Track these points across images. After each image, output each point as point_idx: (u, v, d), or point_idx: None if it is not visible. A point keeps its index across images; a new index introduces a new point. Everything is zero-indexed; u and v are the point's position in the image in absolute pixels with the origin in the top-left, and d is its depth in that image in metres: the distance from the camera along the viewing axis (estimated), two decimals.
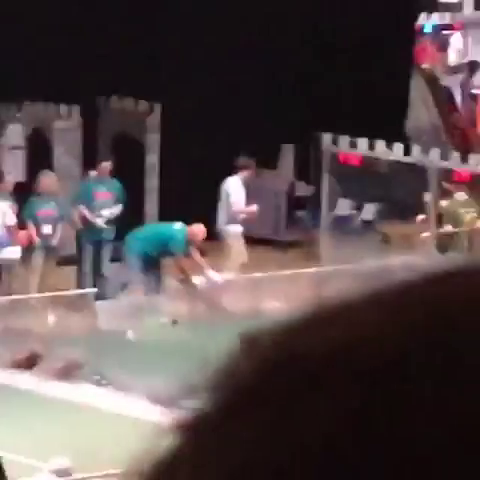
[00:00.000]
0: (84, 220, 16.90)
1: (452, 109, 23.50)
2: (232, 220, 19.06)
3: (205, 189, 20.76)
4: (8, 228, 17.28)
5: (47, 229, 17.96)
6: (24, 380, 14.89)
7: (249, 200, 20.21)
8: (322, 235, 19.43)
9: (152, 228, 17.86)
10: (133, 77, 21.47)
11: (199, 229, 18.49)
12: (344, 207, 19.15)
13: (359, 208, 19.43)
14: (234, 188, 19.03)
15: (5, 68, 21.43)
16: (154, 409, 13.45)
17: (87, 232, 18.61)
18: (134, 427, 12.73)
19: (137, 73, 21.67)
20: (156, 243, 17.02)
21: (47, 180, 18.58)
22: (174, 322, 16.99)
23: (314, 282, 17.42)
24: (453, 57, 23.91)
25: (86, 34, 21.99)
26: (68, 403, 15.15)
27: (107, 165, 18.90)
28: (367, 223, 19.34)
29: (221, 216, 18.83)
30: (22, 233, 17.77)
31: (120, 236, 17.35)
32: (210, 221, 19.34)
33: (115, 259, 17.53)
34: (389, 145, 20.24)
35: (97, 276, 18.11)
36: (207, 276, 18.70)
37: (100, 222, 16.81)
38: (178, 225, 18.08)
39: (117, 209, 18.76)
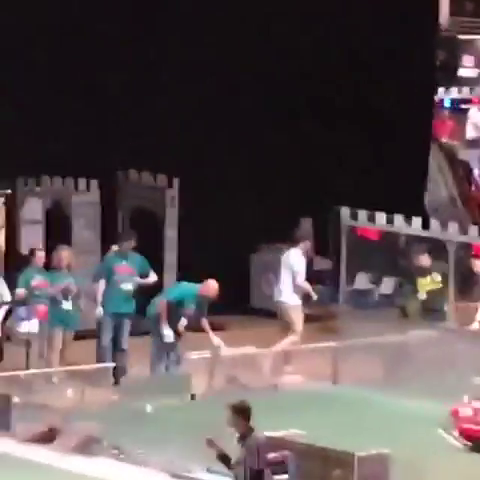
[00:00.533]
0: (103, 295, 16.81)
1: (470, 183, 23.81)
2: (294, 292, 18.48)
3: (224, 264, 20.58)
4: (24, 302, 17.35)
5: (66, 303, 16.84)
6: (43, 454, 14.75)
7: (269, 274, 20.42)
8: (340, 309, 18.95)
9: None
10: (151, 152, 21.33)
11: (213, 285, 17.51)
12: (362, 281, 18.93)
13: (377, 282, 19.09)
14: (296, 260, 18.47)
15: (23, 142, 21.33)
16: None
17: (107, 306, 19.55)
18: None
19: (155, 148, 21.54)
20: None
21: (62, 254, 18.54)
22: (192, 397, 16.39)
23: (332, 356, 17.12)
24: (471, 131, 24.27)
25: (103, 109, 21.78)
26: (86, 477, 15.10)
27: (130, 243, 18.32)
28: (386, 297, 18.95)
29: (280, 288, 18.04)
30: (40, 307, 18.00)
31: (140, 310, 17.11)
32: (230, 294, 19.39)
33: (134, 333, 16.85)
34: (407, 219, 19.23)
35: (116, 350, 17.31)
36: (213, 343, 18.83)
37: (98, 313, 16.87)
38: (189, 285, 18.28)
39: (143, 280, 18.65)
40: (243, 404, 12.44)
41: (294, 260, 18.42)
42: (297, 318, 18.50)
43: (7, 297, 16.45)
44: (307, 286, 17.89)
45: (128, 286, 17.56)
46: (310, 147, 23.58)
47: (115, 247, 18.00)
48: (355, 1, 23.98)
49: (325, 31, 23.60)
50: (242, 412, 12.48)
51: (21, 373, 15.81)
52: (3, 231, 19.50)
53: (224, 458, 12.28)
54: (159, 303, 17.01)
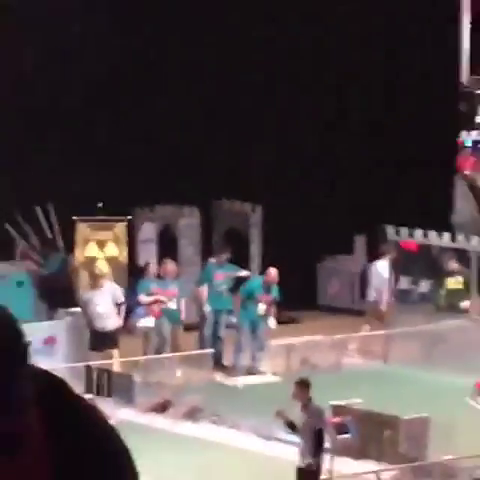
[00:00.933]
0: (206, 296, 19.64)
1: None
2: (381, 294, 20.70)
3: (297, 271, 22.66)
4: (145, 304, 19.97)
5: (172, 304, 20.03)
6: (159, 421, 17.21)
7: (332, 279, 23.49)
8: (389, 304, 21.10)
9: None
10: (239, 184, 23.75)
11: (273, 271, 19.88)
12: (405, 283, 20.76)
13: (417, 283, 20.95)
14: (384, 269, 20.61)
15: (138, 178, 23.46)
16: (259, 442, 16.26)
17: (208, 304, 20.59)
18: (242, 456, 15.87)
19: (243, 181, 23.92)
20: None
21: (168, 266, 20.65)
22: (274, 373, 19.15)
23: (383, 341, 19.98)
24: None
25: (203, 150, 24.03)
26: (193, 439, 16.73)
27: (226, 255, 21.17)
28: (423, 295, 21.05)
29: (372, 291, 20.46)
30: (154, 307, 19.62)
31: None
32: (301, 294, 21.62)
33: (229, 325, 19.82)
34: (439, 234, 21.47)
35: (215, 339, 20.02)
36: (270, 320, 20.13)
37: (206, 309, 19.62)
38: (256, 277, 20.71)
39: (243, 272, 20.56)
40: (304, 380, 14.96)
41: (382, 269, 20.58)
42: (384, 313, 20.70)
43: (121, 299, 18.51)
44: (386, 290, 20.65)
45: (224, 288, 20.33)
46: (363, 180, 25.00)
47: (212, 259, 20.56)
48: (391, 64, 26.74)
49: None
50: (303, 386, 14.89)
51: (141, 358, 18.71)
52: (125, 248, 21.90)
53: (291, 424, 14.58)
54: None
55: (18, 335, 1.55)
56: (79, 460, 2.15)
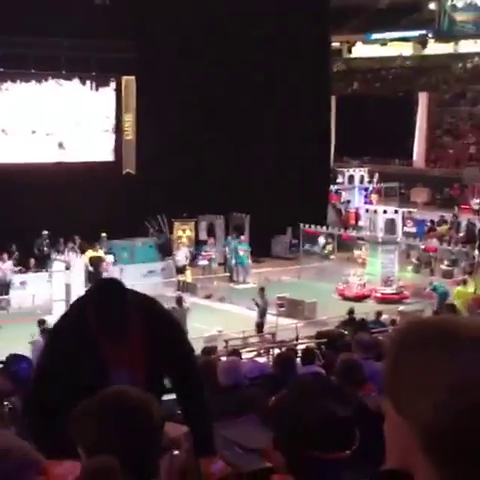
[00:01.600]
0: None
1: None
2: None
3: None
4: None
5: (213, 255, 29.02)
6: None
7: None
8: None
9: None
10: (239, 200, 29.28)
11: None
12: None
13: None
14: None
15: (205, 187, 28.28)
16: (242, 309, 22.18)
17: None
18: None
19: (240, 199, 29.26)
20: None
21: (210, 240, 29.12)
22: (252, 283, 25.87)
23: None
24: None
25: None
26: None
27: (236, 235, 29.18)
28: None
29: None
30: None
31: None
32: None
33: None
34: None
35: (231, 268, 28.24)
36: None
37: None
38: None
39: None
40: (262, 287, 22.92)
41: None
42: None
43: (188, 254, 31.91)
44: None
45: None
46: None
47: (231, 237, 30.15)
48: None
49: None
50: (262, 290, 22.56)
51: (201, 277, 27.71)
52: (193, 232, 29.68)
53: (256, 303, 21.62)
54: None
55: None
56: (159, 332, 3.89)
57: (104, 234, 27.10)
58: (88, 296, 3.89)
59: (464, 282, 23.38)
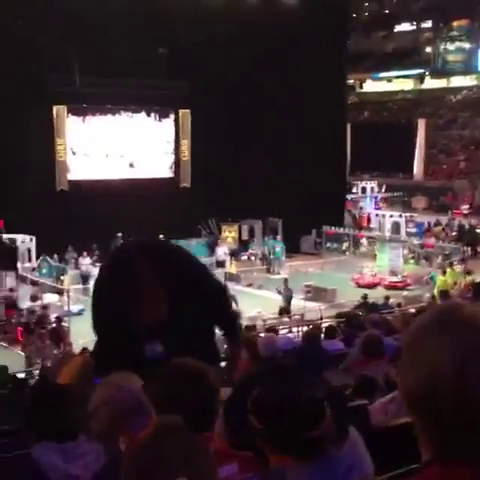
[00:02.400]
0: None
1: None
2: None
3: None
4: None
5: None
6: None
7: None
8: None
9: None
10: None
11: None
12: None
13: None
14: None
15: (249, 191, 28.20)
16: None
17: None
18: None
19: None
20: None
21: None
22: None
23: None
24: None
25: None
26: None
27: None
28: None
29: None
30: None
31: None
32: None
33: None
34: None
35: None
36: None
37: None
38: None
39: None
40: (286, 278, 26.67)
41: None
42: None
43: (231, 249, 32.18)
44: None
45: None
46: None
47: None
48: None
49: None
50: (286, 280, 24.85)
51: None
52: (237, 234, 29.63)
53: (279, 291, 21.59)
54: None
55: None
56: (181, 286, 3.18)
57: (162, 235, 26.97)
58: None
59: (443, 272, 23.18)
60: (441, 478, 1.12)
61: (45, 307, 19.71)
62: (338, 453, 2.02)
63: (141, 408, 2.45)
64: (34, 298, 20.10)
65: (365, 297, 19.63)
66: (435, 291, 20.91)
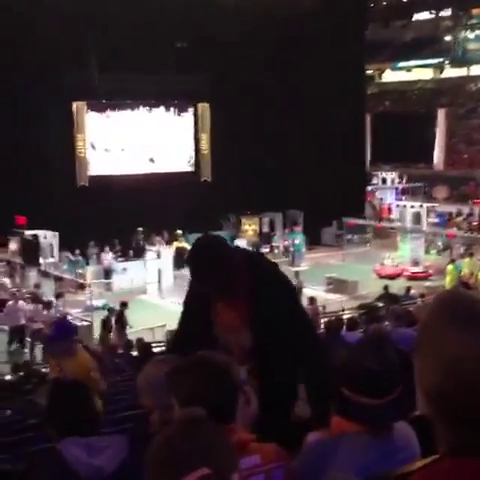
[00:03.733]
0: None
1: None
2: None
3: None
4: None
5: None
6: None
7: None
8: None
9: None
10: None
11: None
12: None
13: None
14: None
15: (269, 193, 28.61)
16: None
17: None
18: None
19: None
20: None
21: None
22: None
23: None
24: None
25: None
26: None
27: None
28: None
29: None
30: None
31: None
32: None
33: None
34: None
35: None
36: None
37: None
38: None
39: None
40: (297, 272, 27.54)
41: None
42: None
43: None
44: None
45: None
46: None
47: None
48: None
49: None
50: (296, 272, 25.30)
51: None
52: (257, 226, 29.91)
53: None
54: None
55: (225, 241, 3.18)
56: (265, 286, 2.93)
57: (180, 231, 27.10)
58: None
59: (452, 261, 23.14)
60: (452, 472, 1.12)
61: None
62: (395, 430, 2.22)
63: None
64: (59, 295, 20.22)
65: (386, 288, 19.64)
66: (447, 280, 20.94)
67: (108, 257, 25.59)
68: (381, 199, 37.96)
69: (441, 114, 50.16)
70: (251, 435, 2.24)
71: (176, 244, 26.66)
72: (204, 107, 30.00)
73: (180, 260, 25.04)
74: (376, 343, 2.43)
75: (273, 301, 3.04)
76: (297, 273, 22.18)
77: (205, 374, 2.18)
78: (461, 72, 52.85)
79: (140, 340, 13.30)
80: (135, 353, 12.74)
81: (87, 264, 25.04)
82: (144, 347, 12.01)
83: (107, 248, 25.64)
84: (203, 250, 3.14)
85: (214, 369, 2.19)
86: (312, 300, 17.71)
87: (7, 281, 22.80)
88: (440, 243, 29.27)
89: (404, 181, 42.66)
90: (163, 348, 12.89)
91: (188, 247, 25.71)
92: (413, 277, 24.89)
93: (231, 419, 2.18)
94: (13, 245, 23.74)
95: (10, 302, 18.38)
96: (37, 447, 4.17)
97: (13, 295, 18.80)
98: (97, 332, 18.30)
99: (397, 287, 20.79)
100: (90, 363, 5.12)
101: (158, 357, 3.09)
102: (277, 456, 2.27)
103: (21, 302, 18.42)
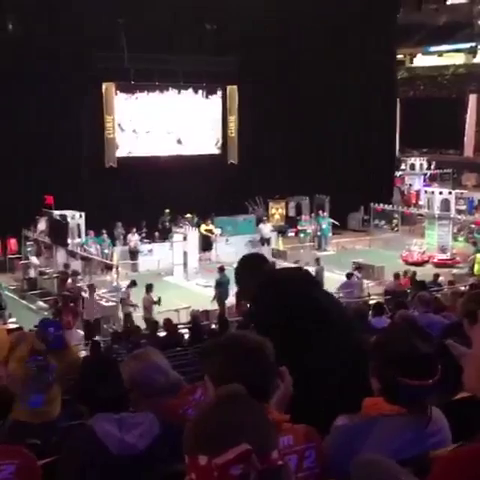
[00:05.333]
0: None
1: None
2: None
3: None
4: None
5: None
6: None
7: None
8: None
9: None
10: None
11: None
12: None
13: None
14: None
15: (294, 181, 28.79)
16: None
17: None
18: None
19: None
20: None
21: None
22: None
23: None
24: None
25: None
26: None
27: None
28: None
29: None
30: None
31: None
32: None
33: None
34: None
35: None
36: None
37: None
38: None
39: None
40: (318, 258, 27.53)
41: None
42: None
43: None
44: None
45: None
46: None
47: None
48: None
49: None
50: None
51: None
52: (284, 210, 29.65)
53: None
54: None
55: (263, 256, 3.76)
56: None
57: (189, 215, 27.26)
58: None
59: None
60: None
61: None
62: (431, 414, 2.28)
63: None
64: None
65: (414, 275, 19.60)
66: (476, 268, 21.01)
67: (134, 238, 25.74)
68: (409, 185, 37.78)
69: (472, 100, 49.61)
70: (285, 415, 2.25)
71: (203, 227, 26.76)
72: (233, 89, 29.95)
73: (206, 243, 25.33)
74: (418, 327, 2.47)
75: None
76: (318, 259, 22.13)
77: (237, 352, 2.19)
78: None
79: (169, 320, 13.40)
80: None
81: (114, 245, 25.15)
82: (172, 327, 12.07)
83: (134, 229, 25.71)
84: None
85: (246, 347, 2.19)
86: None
87: (35, 260, 22.97)
88: (468, 230, 29.19)
89: (433, 167, 42.50)
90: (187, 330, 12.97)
91: (214, 230, 26.69)
92: (440, 264, 24.80)
93: (265, 398, 2.19)
94: (41, 225, 23.88)
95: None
96: (67, 423, 4.20)
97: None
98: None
99: (424, 274, 20.68)
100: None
101: (139, 351, 3.26)
102: (309, 437, 2.28)
103: None
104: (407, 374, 2.25)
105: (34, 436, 3.73)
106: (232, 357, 2.20)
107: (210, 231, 26.75)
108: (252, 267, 3.42)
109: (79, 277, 20.65)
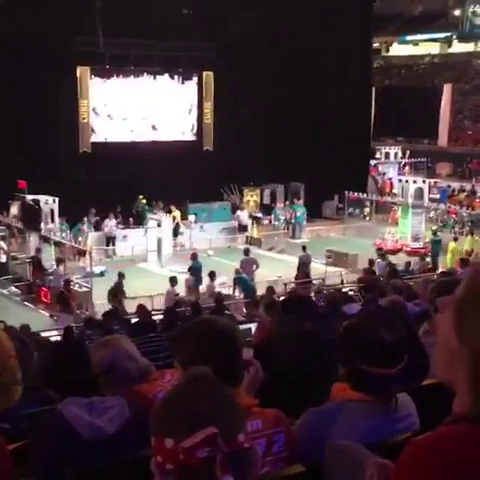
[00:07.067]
0: None
1: None
2: None
3: None
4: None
5: None
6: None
7: None
8: None
9: None
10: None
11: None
12: None
13: None
14: None
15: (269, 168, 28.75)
16: None
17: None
18: None
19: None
20: None
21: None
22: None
23: None
24: None
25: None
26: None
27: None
28: None
29: None
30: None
31: None
32: None
33: None
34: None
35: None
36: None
37: None
38: None
39: None
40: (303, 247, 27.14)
41: None
42: None
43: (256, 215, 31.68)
44: None
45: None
46: None
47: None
48: None
49: None
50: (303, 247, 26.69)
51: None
52: (259, 197, 30.64)
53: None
54: None
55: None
56: None
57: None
58: None
59: (455, 239, 23.13)
60: (470, 438, 1.13)
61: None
62: (396, 401, 2.28)
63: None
64: (59, 261, 20.26)
65: (391, 265, 19.63)
66: (448, 257, 21.02)
67: (111, 224, 25.55)
68: (384, 174, 37.70)
69: (447, 89, 49.93)
70: (254, 400, 2.25)
71: (175, 213, 26.86)
72: (208, 76, 29.88)
73: (173, 229, 25.61)
74: (386, 315, 2.46)
75: None
76: (304, 247, 21.99)
77: (207, 336, 2.18)
78: (468, 47, 52.66)
79: (142, 306, 13.37)
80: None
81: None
82: (145, 313, 12.02)
83: (111, 215, 25.75)
84: None
85: (216, 331, 2.19)
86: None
87: (3, 244, 22.68)
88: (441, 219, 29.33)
89: (407, 156, 42.51)
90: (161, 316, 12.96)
91: (178, 217, 26.37)
92: (413, 252, 24.82)
93: (235, 382, 2.18)
94: (14, 209, 23.73)
95: None
96: (36, 409, 4.16)
97: None
98: (96, 298, 18.35)
99: (397, 262, 20.80)
100: (9, 349, 4.71)
101: (108, 337, 3.34)
102: (278, 421, 2.28)
103: None
104: (371, 363, 2.24)
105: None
106: (202, 341, 2.20)
107: (174, 217, 26.62)
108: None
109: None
